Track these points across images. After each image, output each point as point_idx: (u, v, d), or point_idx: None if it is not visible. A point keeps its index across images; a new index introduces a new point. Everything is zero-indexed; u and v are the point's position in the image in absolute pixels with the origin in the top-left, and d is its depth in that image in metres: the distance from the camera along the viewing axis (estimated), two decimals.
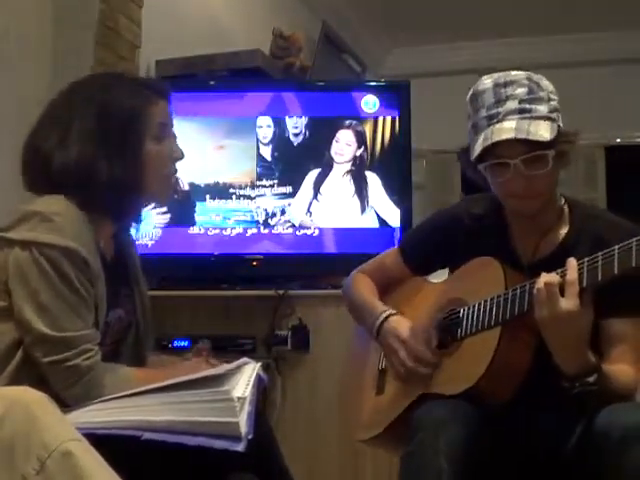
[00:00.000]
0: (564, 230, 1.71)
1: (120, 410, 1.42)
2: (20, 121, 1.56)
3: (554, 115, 1.64)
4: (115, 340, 1.67)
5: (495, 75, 1.68)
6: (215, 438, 1.36)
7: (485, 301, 1.64)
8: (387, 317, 1.80)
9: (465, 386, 1.57)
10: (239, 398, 1.38)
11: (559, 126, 1.64)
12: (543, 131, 1.60)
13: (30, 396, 1.29)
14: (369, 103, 2.88)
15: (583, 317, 1.48)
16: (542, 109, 1.63)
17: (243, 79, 3.06)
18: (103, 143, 1.58)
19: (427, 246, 1.89)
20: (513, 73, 1.67)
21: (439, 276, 1.94)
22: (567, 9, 4.71)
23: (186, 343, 2.62)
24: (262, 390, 1.58)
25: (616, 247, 1.43)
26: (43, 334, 1.46)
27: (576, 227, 1.71)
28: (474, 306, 1.66)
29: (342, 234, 2.85)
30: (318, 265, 2.88)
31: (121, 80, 1.70)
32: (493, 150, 1.62)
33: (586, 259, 1.48)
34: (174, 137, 1.70)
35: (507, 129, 1.59)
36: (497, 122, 1.61)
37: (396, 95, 2.91)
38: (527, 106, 1.62)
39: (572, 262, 1.49)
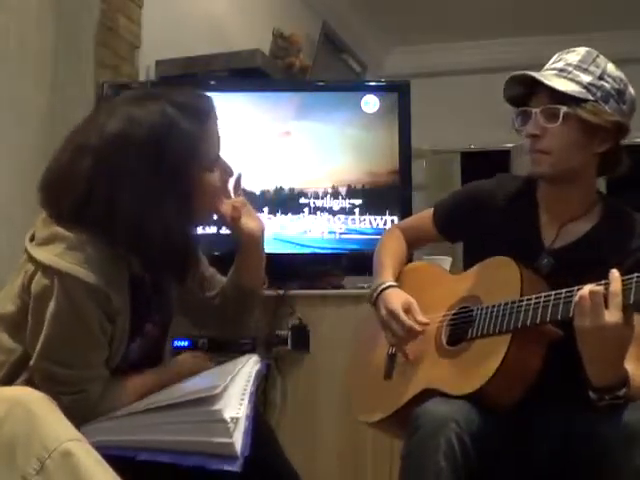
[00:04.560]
0: (592, 223, 1.69)
1: (113, 430, 1.41)
2: (20, 121, 1.55)
3: (594, 90, 1.62)
4: (134, 363, 1.61)
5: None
6: (210, 458, 1.35)
7: (499, 305, 1.62)
8: (385, 289, 1.78)
9: (469, 389, 1.57)
10: (232, 418, 1.36)
11: (596, 101, 1.62)
12: (560, 84, 1.62)
13: (31, 396, 1.29)
14: (369, 103, 2.88)
15: (626, 331, 1.43)
16: (583, 78, 1.64)
17: (243, 79, 3.06)
18: (159, 198, 1.47)
19: (457, 212, 1.89)
20: (582, 48, 1.70)
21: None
22: (567, 9, 4.71)
23: (186, 343, 2.61)
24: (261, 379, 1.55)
25: None
26: (43, 366, 1.44)
27: (605, 222, 1.69)
28: (488, 308, 1.64)
29: (342, 234, 2.84)
30: (318, 265, 2.87)
31: (178, 113, 1.55)
32: (527, 102, 1.68)
33: (635, 274, 1.43)
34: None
35: (532, 76, 1.64)
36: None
37: (396, 95, 2.90)
38: (569, 69, 1.65)
39: (615, 273, 1.44)
